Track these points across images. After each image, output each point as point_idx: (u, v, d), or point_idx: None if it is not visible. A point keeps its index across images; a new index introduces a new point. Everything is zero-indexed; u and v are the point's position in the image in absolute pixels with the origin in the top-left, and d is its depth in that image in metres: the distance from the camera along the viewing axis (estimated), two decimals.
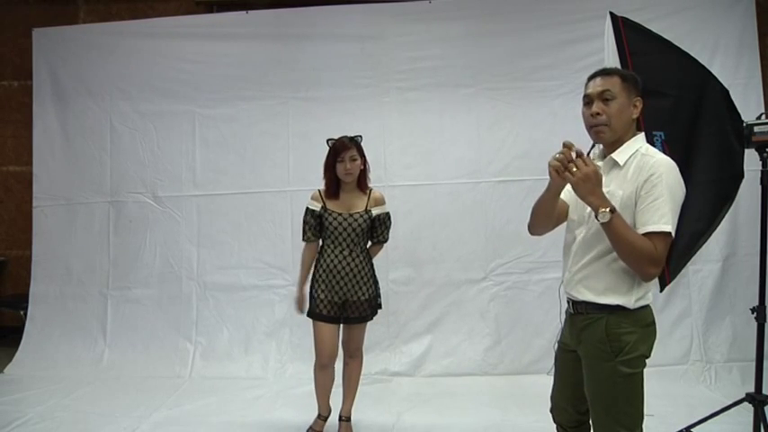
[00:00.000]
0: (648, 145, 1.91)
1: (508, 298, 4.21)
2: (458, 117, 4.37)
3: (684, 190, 1.84)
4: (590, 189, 1.72)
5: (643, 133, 1.96)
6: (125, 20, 4.80)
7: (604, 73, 1.93)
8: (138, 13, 4.88)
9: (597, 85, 1.90)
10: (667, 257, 2.57)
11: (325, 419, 3.16)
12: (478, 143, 4.33)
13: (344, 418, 3.14)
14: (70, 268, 4.64)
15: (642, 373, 1.87)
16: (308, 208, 3.04)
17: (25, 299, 4.66)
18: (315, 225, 3.01)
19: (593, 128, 1.90)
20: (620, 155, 1.88)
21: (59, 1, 4.97)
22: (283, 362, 4.25)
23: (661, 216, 1.75)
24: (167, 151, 4.59)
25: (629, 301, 1.83)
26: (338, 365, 3.12)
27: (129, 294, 4.55)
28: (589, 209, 1.81)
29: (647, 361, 1.88)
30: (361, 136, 3.03)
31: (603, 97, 1.88)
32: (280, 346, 4.32)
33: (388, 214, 3.09)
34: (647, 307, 1.88)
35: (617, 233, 1.73)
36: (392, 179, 4.35)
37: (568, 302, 2.01)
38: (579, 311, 1.94)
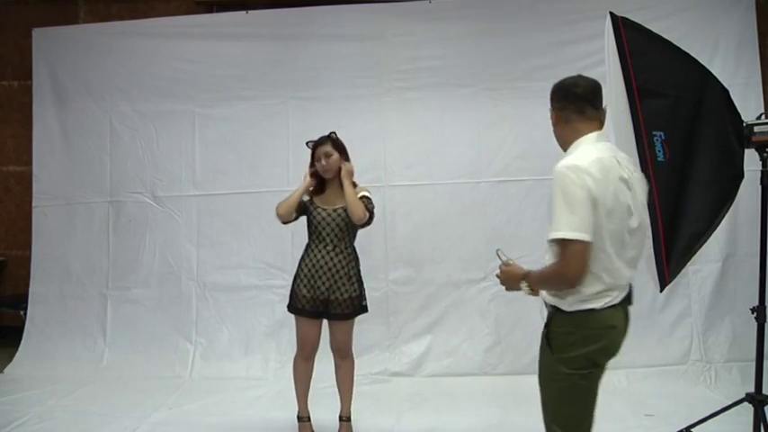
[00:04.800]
0: (577, 152, 1.88)
1: (508, 298, 4.16)
2: (458, 117, 4.36)
3: (585, 188, 1.76)
4: (512, 284, 2.06)
5: (582, 140, 1.92)
6: (125, 20, 4.79)
7: None
8: (138, 13, 4.87)
9: None
10: (667, 257, 2.57)
11: (309, 419, 3.17)
12: (478, 143, 4.33)
13: (344, 419, 3.14)
14: (70, 268, 4.63)
15: (588, 377, 1.87)
16: None
17: (25, 299, 4.65)
18: (299, 207, 3.01)
19: None
20: None
21: (59, 1, 4.96)
22: (283, 362, 4.24)
23: (554, 223, 1.79)
24: (167, 151, 4.58)
25: (563, 303, 1.87)
26: (330, 368, 3.11)
27: (128, 294, 4.55)
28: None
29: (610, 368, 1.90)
30: (335, 132, 3.06)
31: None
32: (280, 346, 4.32)
33: (367, 197, 3.02)
34: (593, 312, 1.84)
35: (540, 285, 1.95)
36: (392, 179, 4.35)
37: None
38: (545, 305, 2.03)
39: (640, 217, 1.91)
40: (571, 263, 1.79)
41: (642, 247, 1.99)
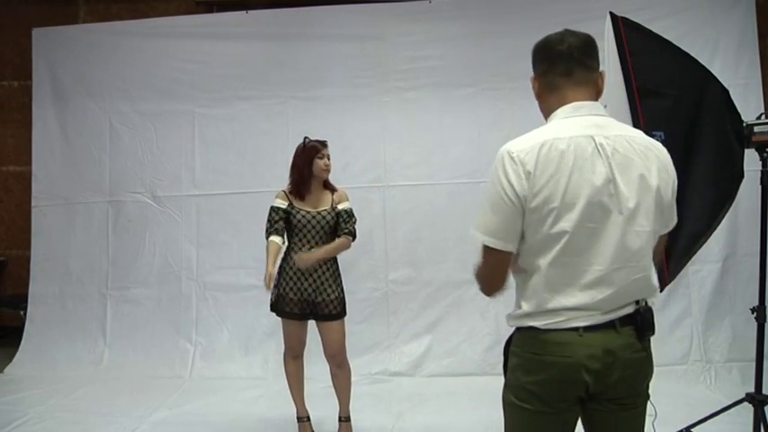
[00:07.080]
0: (536, 130, 1.50)
1: (508, 297, 4.20)
2: (458, 117, 4.37)
3: (506, 182, 1.43)
4: None
5: (557, 112, 1.52)
6: (125, 20, 4.80)
7: None
8: (138, 13, 4.88)
9: None
10: (667, 257, 2.54)
11: (308, 419, 3.18)
12: (478, 143, 4.33)
13: (344, 419, 3.14)
14: (69, 268, 4.63)
15: (535, 416, 1.48)
16: (272, 206, 3.04)
17: (25, 299, 4.66)
18: (281, 220, 3.00)
19: None
20: None
21: (59, 1, 4.97)
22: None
23: (477, 217, 1.50)
24: (167, 151, 4.59)
25: (511, 312, 1.55)
26: (324, 371, 3.10)
27: (128, 294, 4.55)
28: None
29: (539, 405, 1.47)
30: (326, 141, 3.09)
31: None
32: (280, 346, 4.28)
33: (351, 210, 3.07)
34: (534, 331, 1.47)
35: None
36: (392, 179, 4.35)
37: None
38: None
39: (638, 225, 1.44)
40: (481, 272, 1.53)
41: (643, 268, 1.48)
